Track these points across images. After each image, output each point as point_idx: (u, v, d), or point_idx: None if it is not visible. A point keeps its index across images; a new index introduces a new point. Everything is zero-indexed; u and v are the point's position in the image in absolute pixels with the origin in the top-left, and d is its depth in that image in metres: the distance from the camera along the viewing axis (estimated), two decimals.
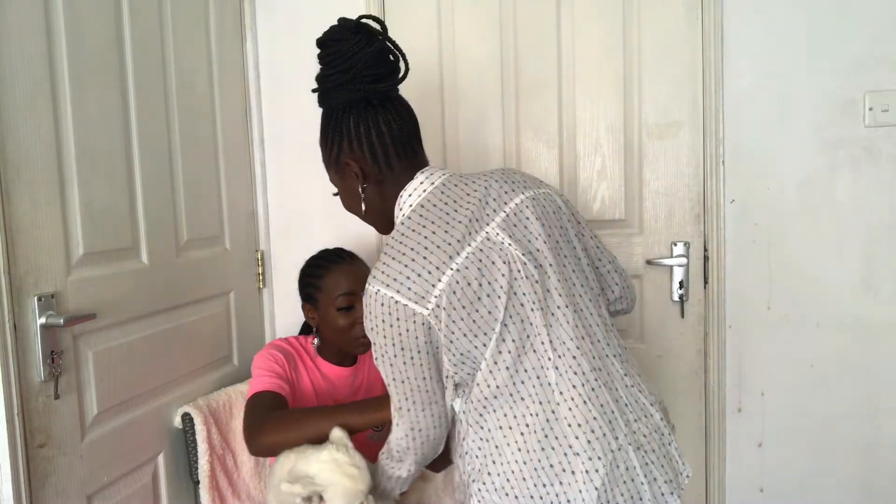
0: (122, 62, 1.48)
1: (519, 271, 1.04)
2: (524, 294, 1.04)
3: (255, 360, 1.54)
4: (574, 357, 1.04)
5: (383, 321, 1.04)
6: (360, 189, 1.15)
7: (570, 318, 1.06)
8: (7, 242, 1.16)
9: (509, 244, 1.05)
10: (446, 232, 1.05)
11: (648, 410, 1.10)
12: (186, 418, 1.61)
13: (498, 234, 1.05)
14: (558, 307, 1.06)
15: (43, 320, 1.22)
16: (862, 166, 1.74)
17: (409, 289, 1.02)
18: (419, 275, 1.02)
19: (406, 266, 1.03)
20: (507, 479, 1.03)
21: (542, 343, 1.04)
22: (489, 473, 1.04)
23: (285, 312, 2.07)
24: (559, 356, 1.04)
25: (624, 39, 1.85)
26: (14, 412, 1.16)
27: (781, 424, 1.84)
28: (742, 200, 1.81)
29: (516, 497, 1.01)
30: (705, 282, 1.86)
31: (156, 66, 1.60)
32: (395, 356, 1.05)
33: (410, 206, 1.12)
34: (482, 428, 1.06)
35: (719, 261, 1.83)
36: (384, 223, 1.20)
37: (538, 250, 1.07)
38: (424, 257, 1.03)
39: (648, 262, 1.88)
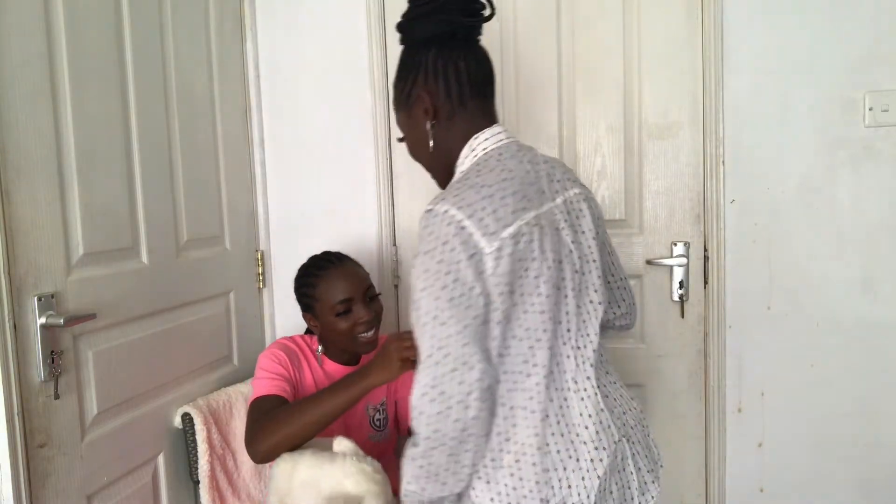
0: (122, 62, 1.48)
1: (567, 255, 1.04)
2: (563, 278, 1.03)
3: (260, 360, 1.54)
4: (593, 350, 1.06)
5: (444, 243, 0.96)
6: (428, 126, 1.10)
7: (597, 315, 1.08)
8: (7, 242, 1.16)
9: (563, 227, 1.05)
10: (522, 184, 1.03)
11: (631, 404, 1.15)
12: (186, 418, 1.61)
13: (556, 214, 1.06)
14: (590, 301, 1.07)
15: (43, 320, 1.22)
16: (862, 166, 1.74)
17: (480, 220, 0.96)
18: (494, 211, 0.97)
19: (483, 198, 0.98)
20: (517, 460, 1.00)
21: (569, 331, 1.04)
22: (501, 450, 1.01)
23: (285, 312, 2.07)
24: (580, 347, 1.05)
25: (624, 39, 1.85)
26: (14, 412, 1.16)
27: (781, 424, 1.84)
28: (742, 200, 1.81)
29: (520, 479, 1.00)
30: (705, 282, 1.86)
31: (156, 66, 1.60)
32: (444, 288, 0.95)
33: (485, 149, 1.08)
34: (504, 405, 1.01)
35: (719, 261, 1.83)
36: (446, 168, 1.14)
37: (588, 246, 1.09)
38: (502, 197, 0.99)
39: (648, 262, 1.88)
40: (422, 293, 0.96)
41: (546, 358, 1.01)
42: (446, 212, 0.97)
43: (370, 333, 1.54)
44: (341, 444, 1.30)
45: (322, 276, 1.55)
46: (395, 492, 1.70)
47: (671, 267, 1.87)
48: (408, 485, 1.01)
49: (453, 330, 0.95)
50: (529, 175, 1.06)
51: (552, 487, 1.00)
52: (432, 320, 0.95)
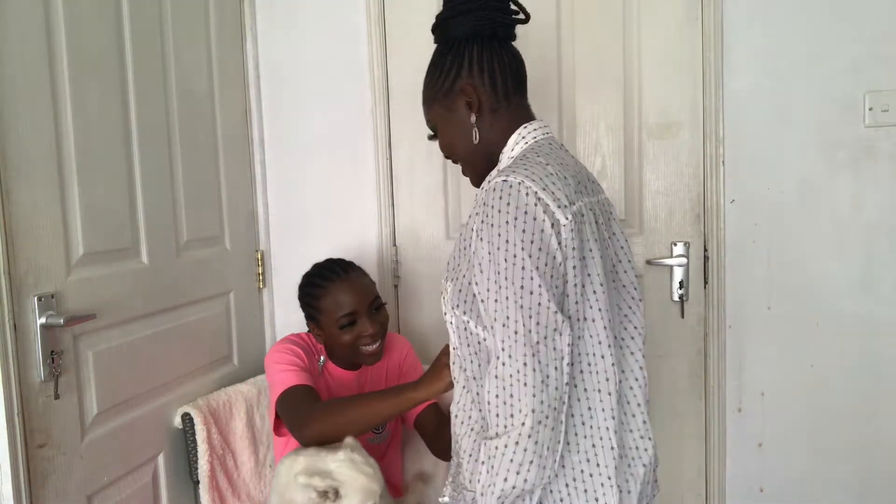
0: (122, 62, 1.48)
1: (607, 248, 1.06)
2: (608, 268, 1.06)
3: (273, 356, 1.52)
4: (643, 342, 1.10)
5: (525, 213, 0.93)
6: (473, 119, 1.10)
7: (639, 309, 1.12)
8: (7, 242, 1.16)
9: (602, 222, 1.07)
10: (575, 172, 1.05)
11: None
12: (186, 418, 1.61)
13: (597, 208, 1.07)
14: (631, 298, 1.11)
15: (43, 320, 1.22)
16: (862, 166, 1.74)
17: (553, 193, 0.95)
18: (562, 187, 0.97)
19: (549, 175, 0.98)
20: (594, 444, 1.00)
21: (612, 320, 1.04)
22: (577, 434, 1.00)
23: (285, 312, 2.07)
24: (626, 338, 1.09)
25: (624, 39, 1.85)
26: (14, 412, 1.16)
27: (781, 424, 1.84)
28: (742, 200, 1.81)
29: (597, 465, 1.00)
30: (705, 282, 1.86)
31: (156, 66, 1.60)
32: (530, 256, 0.93)
33: (535, 138, 1.09)
34: (577, 387, 1.00)
35: (719, 261, 1.83)
36: (487, 160, 1.12)
37: (622, 247, 1.11)
38: (564, 178, 0.99)
39: (648, 262, 1.88)
40: (505, 264, 0.93)
41: (613, 341, 1.01)
42: (521, 182, 0.95)
43: (375, 346, 1.52)
44: (347, 440, 1.33)
45: (326, 287, 1.53)
46: (398, 491, 1.70)
47: (671, 267, 1.87)
48: (505, 482, 0.92)
49: (544, 298, 0.93)
50: (578, 167, 1.10)
51: (630, 476, 1.03)
52: (520, 290, 0.93)
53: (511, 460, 0.92)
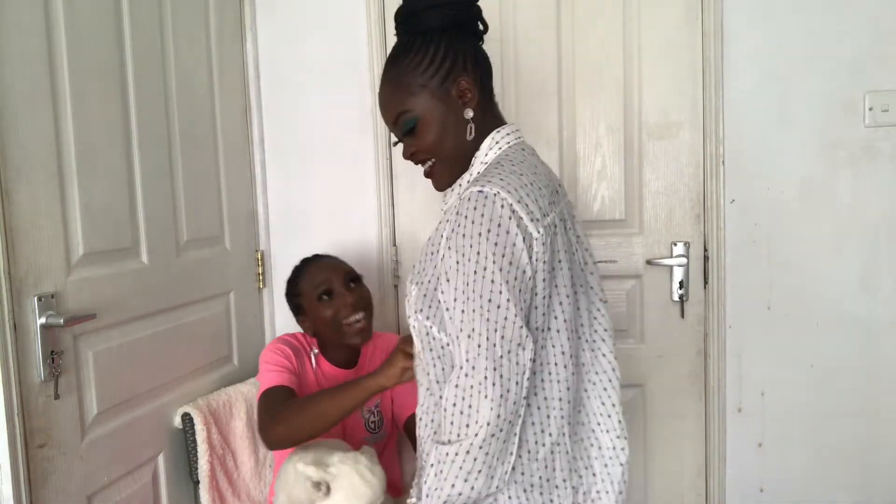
0: (122, 62, 1.48)
1: (575, 253, 1.07)
2: (576, 274, 1.06)
3: (264, 355, 1.56)
4: (608, 347, 1.10)
5: (499, 225, 0.93)
6: (469, 115, 1.06)
7: (604, 313, 1.12)
8: (7, 242, 1.16)
9: (569, 227, 1.07)
10: (547, 180, 1.05)
11: None
12: (186, 418, 1.61)
13: (566, 214, 1.07)
14: (600, 300, 1.11)
15: (43, 320, 1.22)
16: (862, 166, 1.74)
17: (526, 205, 0.95)
18: (535, 199, 0.97)
19: (524, 185, 0.97)
20: (552, 451, 1.02)
21: (583, 325, 1.07)
22: (537, 442, 1.02)
23: (285, 312, 2.04)
24: (594, 341, 1.09)
25: (624, 39, 1.85)
26: (14, 412, 1.16)
27: (781, 424, 1.84)
28: (742, 200, 1.81)
29: (553, 469, 1.03)
30: (705, 282, 1.86)
31: (156, 66, 1.60)
32: (500, 270, 0.92)
33: (508, 143, 1.07)
34: (537, 395, 1.01)
35: (719, 261, 1.83)
36: (465, 160, 1.09)
37: (586, 249, 1.12)
38: (539, 188, 0.99)
39: (648, 262, 1.88)
40: (474, 276, 0.93)
41: (576, 350, 1.04)
42: (497, 194, 0.94)
43: (357, 316, 1.54)
44: (366, 448, 1.34)
45: (304, 270, 1.63)
46: (398, 491, 1.70)
47: (671, 267, 1.87)
48: (452, 487, 0.93)
49: (511, 313, 0.93)
50: (549, 173, 1.09)
51: (581, 476, 1.04)
52: (487, 303, 0.93)
53: (460, 468, 0.93)
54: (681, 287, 1.87)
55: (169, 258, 1.62)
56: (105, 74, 1.42)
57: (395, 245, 2.02)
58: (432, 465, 0.96)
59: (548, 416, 1.00)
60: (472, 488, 0.93)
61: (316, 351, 1.62)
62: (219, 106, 1.86)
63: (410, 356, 1.26)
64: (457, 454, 0.93)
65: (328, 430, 1.38)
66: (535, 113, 1.91)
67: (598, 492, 1.06)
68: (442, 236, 1.00)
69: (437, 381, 1.05)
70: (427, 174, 1.12)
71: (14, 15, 1.19)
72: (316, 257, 1.67)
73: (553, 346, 1.00)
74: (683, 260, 1.85)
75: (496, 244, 0.93)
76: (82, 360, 1.34)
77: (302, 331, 1.65)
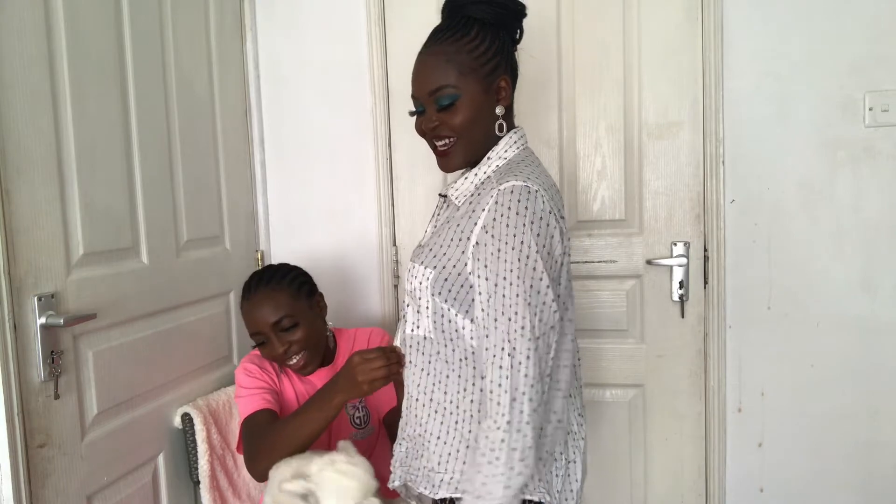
0: (122, 62, 1.48)
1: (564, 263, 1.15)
2: (567, 271, 1.15)
3: (236, 377, 1.55)
4: (572, 323, 1.16)
5: (541, 218, 1.03)
6: (499, 110, 1.14)
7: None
8: (7, 242, 1.16)
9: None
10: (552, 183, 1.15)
11: None
12: (186, 418, 1.61)
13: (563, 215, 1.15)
14: (572, 293, 1.20)
15: (43, 320, 1.22)
16: (862, 166, 1.74)
17: (556, 203, 1.08)
18: (552, 197, 1.08)
19: (551, 187, 1.09)
20: (556, 428, 1.11)
21: (570, 321, 1.14)
22: (549, 421, 1.11)
23: None
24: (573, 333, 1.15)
25: (624, 39, 1.85)
26: (14, 412, 1.16)
27: (781, 424, 1.84)
28: (742, 200, 1.81)
29: (553, 443, 1.12)
30: (705, 282, 1.86)
31: (156, 66, 1.60)
32: (538, 260, 1.01)
33: (523, 145, 1.17)
34: (550, 377, 1.10)
35: (719, 261, 1.83)
36: (478, 152, 1.15)
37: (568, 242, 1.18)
38: (553, 186, 1.12)
39: (648, 262, 1.88)
40: (518, 263, 1.00)
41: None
42: (538, 190, 1.03)
43: (293, 361, 1.52)
44: (342, 443, 1.33)
45: (242, 305, 1.55)
46: (393, 493, 1.69)
47: (671, 267, 1.87)
48: (511, 470, 0.96)
49: (548, 298, 1.02)
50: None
51: (576, 449, 1.15)
52: (529, 288, 1.00)
53: (513, 449, 0.97)
54: (681, 287, 1.87)
55: (169, 258, 1.62)
56: (105, 74, 1.42)
57: (395, 245, 2.02)
58: (483, 454, 0.98)
59: (556, 397, 1.09)
60: (527, 466, 0.98)
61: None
62: (219, 106, 1.86)
63: (373, 369, 1.26)
64: (511, 437, 0.97)
65: (310, 445, 1.38)
66: (535, 113, 1.91)
67: (571, 462, 1.15)
68: (475, 224, 1.05)
69: (447, 362, 1.11)
70: (441, 152, 1.16)
71: (14, 15, 1.19)
72: (254, 288, 1.53)
73: (566, 332, 1.10)
74: (683, 260, 1.85)
75: (538, 235, 1.02)
76: (82, 360, 1.34)
77: None
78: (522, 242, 1.00)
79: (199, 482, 1.62)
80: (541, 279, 1.01)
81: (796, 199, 1.78)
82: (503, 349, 0.99)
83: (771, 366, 1.83)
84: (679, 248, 1.86)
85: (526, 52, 1.21)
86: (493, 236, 1.02)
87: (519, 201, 1.02)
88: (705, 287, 1.86)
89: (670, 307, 1.89)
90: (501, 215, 1.02)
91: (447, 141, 1.14)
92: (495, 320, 1.00)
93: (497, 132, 1.14)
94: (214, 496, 1.61)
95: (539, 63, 1.90)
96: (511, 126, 1.18)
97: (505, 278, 1.00)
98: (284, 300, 1.51)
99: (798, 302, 1.80)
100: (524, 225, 1.01)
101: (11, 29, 1.19)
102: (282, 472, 1.32)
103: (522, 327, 0.99)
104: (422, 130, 1.17)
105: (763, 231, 1.80)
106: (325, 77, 2.00)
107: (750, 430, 1.86)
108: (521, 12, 1.18)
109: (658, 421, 1.92)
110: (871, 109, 1.71)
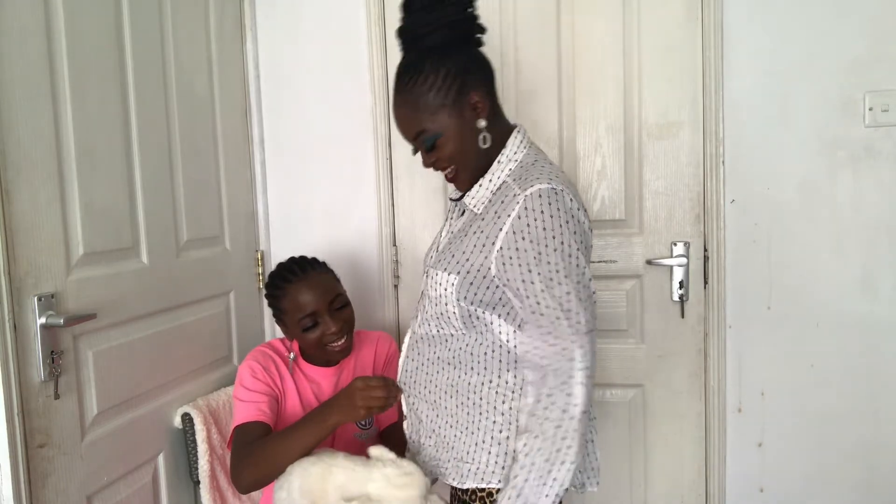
0: (122, 62, 1.48)
1: None
2: None
3: (239, 373, 1.51)
4: None
5: (572, 216, 1.07)
6: (483, 124, 1.14)
7: None
8: (7, 242, 1.16)
9: None
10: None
11: None
12: (186, 418, 1.61)
13: None
14: None
15: (43, 320, 1.22)
16: (862, 166, 1.74)
17: (579, 200, 1.12)
18: (578, 198, 1.12)
19: (569, 186, 1.12)
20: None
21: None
22: None
23: None
24: None
25: (624, 39, 1.84)
26: (14, 412, 1.16)
27: (781, 424, 1.84)
28: (742, 200, 1.81)
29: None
30: (705, 282, 1.86)
31: (156, 66, 1.60)
32: (580, 256, 1.06)
33: (529, 144, 1.19)
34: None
35: (719, 261, 1.83)
36: (485, 165, 1.17)
37: None
38: (574, 193, 1.13)
39: (648, 262, 1.88)
40: (563, 262, 1.05)
41: None
42: (563, 190, 1.07)
43: (341, 342, 1.50)
44: (375, 450, 1.30)
45: (287, 288, 1.49)
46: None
47: (671, 267, 1.87)
48: (563, 465, 1.05)
49: (592, 292, 1.09)
50: None
51: (593, 429, 1.27)
52: (576, 284, 1.06)
53: (563, 438, 1.04)
54: (681, 287, 1.87)
55: (169, 258, 1.62)
56: (105, 74, 1.42)
57: (395, 245, 2.02)
58: (539, 448, 1.04)
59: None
60: (577, 454, 1.05)
61: (293, 355, 1.56)
62: (219, 106, 1.86)
63: (374, 397, 1.27)
64: (566, 430, 1.04)
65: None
66: (535, 113, 1.91)
67: (590, 441, 1.25)
68: (500, 229, 1.08)
69: (472, 354, 1.16)
70: (449, 179, 1.21)
71: (14, 15, 1.19)
72: (301, 270, 1.52)
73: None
74: (683, 260, 1.85)
75: (575, 232, 1.06)
76: (82, 360, 1.34)
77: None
78: (563, 242, 1.04)
79: (199, 482, 1.62)
80: (584, 274, 1.06)
81: (796, 198, 1.78)
82: (553, 345, 1.05)
83: (771, 366, 1.83)
84: (679, 248, 1.86)
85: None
86: (530, 241, 1.05)
87: (550, 204, 1.05)
88: (705, 287, 1.86)
89: (670, 307, 1.89)
90: (535, 219, 1.05)
91: (449, 170, 1.19)
92: (554, 320, 1.05)
93: (482, 144, 1.14)
94: (214, 496, 1.61)
95: (539, 63, 1.90)
96: (505, 124, 1.20)
97: (552, 279, 1.04)
98: (333, 281, 1.56)
99: (798, 302, 1.80)
100: (560, 226, 1.05)
101: (11, 29, 1.19)
102: (321, 472, 1.27)
103: (578, 322, 1.04)
104: (426, 166, 1.22)
105: (763, 231, 1.80)
106: (325, 77, 2.00)
107: (750, 430, 1.86)
108: (468, 19, 1.16)
109: (658, 421, 1.92)
110: (870, 109, 1.71)
